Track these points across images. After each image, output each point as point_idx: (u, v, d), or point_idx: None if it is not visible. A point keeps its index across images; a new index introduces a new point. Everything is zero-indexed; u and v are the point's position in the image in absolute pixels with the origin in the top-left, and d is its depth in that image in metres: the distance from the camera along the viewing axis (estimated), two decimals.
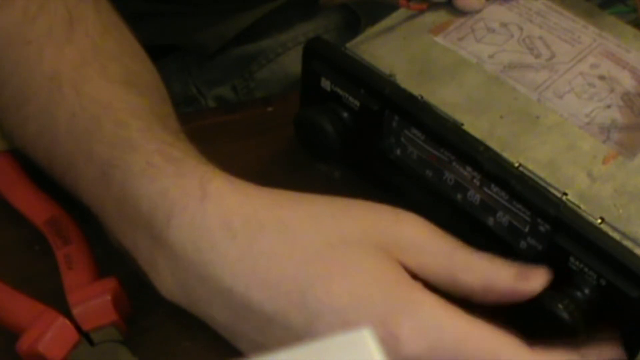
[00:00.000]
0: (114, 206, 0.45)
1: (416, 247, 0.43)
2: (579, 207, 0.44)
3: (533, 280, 0.43)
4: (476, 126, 0.47)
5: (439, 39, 0.52)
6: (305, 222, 0.43)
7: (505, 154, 0.46)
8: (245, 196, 0.44)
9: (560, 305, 0.42)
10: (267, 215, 0.43)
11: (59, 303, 0.46)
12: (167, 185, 0.43)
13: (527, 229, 0.46)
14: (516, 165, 0.45)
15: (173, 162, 0.44)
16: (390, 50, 0.51)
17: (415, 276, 0.43)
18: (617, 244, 0.42)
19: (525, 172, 0.45)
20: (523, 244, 0.46)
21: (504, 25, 0.53)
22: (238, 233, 0.42)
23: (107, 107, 0.46)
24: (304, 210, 0.44)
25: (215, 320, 0.44)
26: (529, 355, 0.41)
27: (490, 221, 0.47)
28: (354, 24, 0.74)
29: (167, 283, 0.44)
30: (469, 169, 0.47)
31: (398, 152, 0.50)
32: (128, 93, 0.47)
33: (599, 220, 0.43)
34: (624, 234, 0.43)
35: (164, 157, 0.44)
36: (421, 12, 0.53)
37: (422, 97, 0.48)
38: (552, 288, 0.43)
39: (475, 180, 0.47)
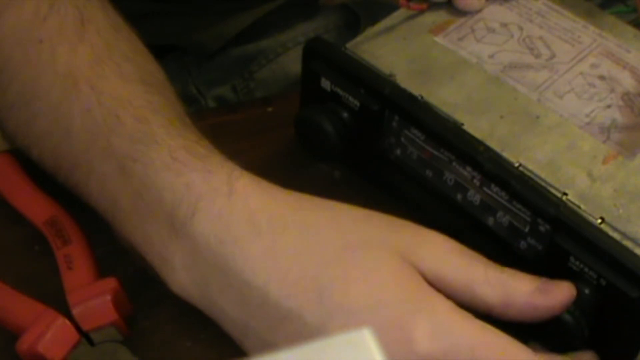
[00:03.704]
0: (129, 200, 0.45)
1: (435, 258, 0.43)
2: (579, 207, 0.44)
3: (553, 295, 0.42)
4: (476, 126, 0.47)
5: (439, 39, 0.52)
6: (327, 226, 0.44)
7: (505, 154, 0.46)
8: (271, 196, 0.44)
9: None
10: (291, 216, 0.44)
11: (59, 303, 0.46)
12: (193, 179, 0.44)
13: (527, 229, 0.46)
14: (516, 165, 0.45)
15: (199, 158, 0.45)
16: (390, 50, 0.51)
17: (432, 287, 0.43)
18: (617, 244, 0.42)
19: (525, 172, 0.45)
20: (523, 244, 0.46)
21: (504, 25, 0.53)
22: (262, 230, 0.43)
23: (125, 103, 0.46)
24: (326, 215, 0.44)
25: (227, 315, 0.44)
26: None
27: (490, 221, 0.47)
28: (354, 24, 0.74)
29: (180, 277, 0.44)
30: (469, 169, 0.47)
31: (398, 152, 0.50)
32: (145, 91, 0.47)
33: (599, 220, 0.43)
34: (624, 234, 0.43)
35: (190, 153, 0.45)
36: (421, 12, 0.53)
37: (422, 97, 0.48)
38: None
39: (475, 180, 0.47)
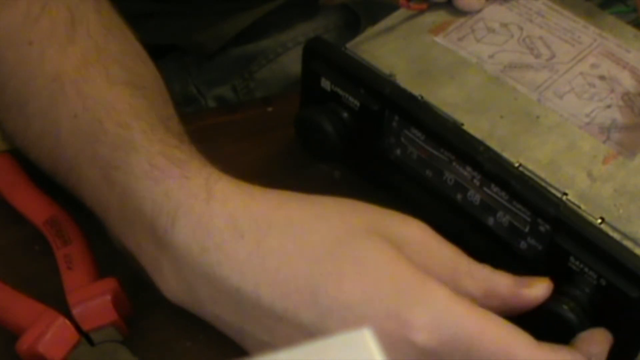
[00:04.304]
0: (116, 208, 0.45)
1: (422, 247, 0.43)
2: (579, 207, 0.44)
3: (534, 286, 0.43)
4: (476, 126, 0.47)
5: (439, 39, 0.52)
6: (314, 220, 0.43)
7: (505, 154, 0.46)
8: (251, 197, 0.44)
9: (565, 307, 0.42)
10: (274, 214, 0.43)
11: (59, 303, 0.46)
12: (171, 187, 0.43)
13: (527, 229, 0.46)
14: (516, 165, 0.45)
15: (177, 164, 0.44)
16: (390, 50, 0.51)
17: None
18: (617, 244, 0.42)
19: (525, 172, 0.45)
20: (523, 244, 0.46)
21: (504, 25, 0.53)
22: (245, 232, 0.42)
23: (109, 108, 0.46)
24: (312, 209, 0.44)
25: (222, 320, 0.44)
26: (542, 353, 0.41)
27: (490, 221, 0.47)
28: (354, 24, 0.74)
29: (170, 284, 0.44)
30: (469, 169, 0.47)
31: (398, 152, 0.50)
32: (130, 95, 0.47)
33: (599, 220, 0.43)
34: (624, 234, 0.43)
35: (168, 158, 0.44)
36: (421, 12, 0.53)
37: (422, 97, 0.48)
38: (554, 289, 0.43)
39: (475, 180, 0.47)
